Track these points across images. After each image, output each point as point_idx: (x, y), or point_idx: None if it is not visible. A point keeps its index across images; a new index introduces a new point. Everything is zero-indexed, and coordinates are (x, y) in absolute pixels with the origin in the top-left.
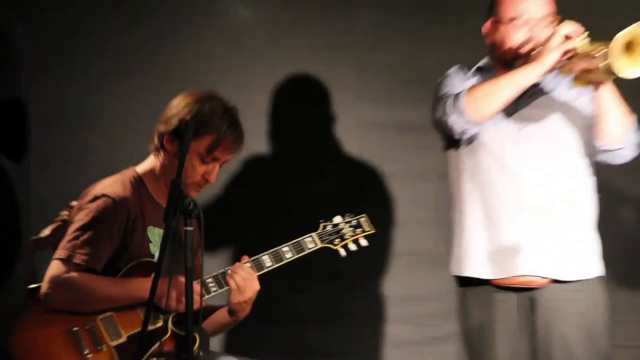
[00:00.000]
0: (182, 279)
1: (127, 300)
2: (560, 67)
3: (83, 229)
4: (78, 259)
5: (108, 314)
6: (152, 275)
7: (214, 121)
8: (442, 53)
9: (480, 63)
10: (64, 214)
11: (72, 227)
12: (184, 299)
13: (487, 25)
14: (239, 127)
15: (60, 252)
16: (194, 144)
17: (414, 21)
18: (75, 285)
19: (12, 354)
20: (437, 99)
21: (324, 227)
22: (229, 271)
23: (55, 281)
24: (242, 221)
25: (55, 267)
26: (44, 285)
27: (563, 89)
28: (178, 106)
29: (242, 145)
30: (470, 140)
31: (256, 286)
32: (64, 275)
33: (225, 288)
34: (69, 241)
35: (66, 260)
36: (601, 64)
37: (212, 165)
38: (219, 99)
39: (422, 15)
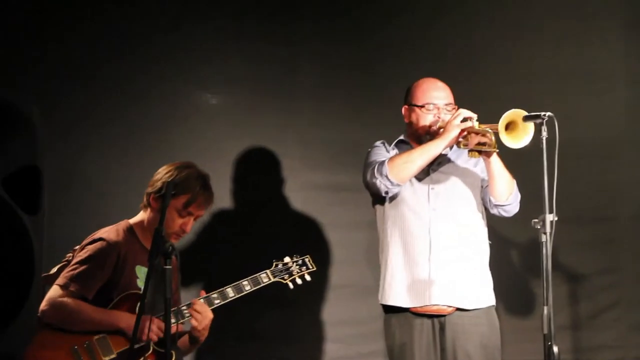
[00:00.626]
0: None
1: (107, 327)
2: (460, 142)
3: (80, 263)
4: (73, 287)
5: (102, 335)
6: (131, 306)
7: (189, 184)
8: (368, 130)
9: (400, 138)
10: (69, 255)
11: (73, 261)
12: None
13: (405, 109)
14: (210, 189)
15: (60, 280)
16: (173, 201)
17: (345, 105)
18: (66, 307)
19: None
20: (366, 165)
21: (276, 265)
22: (185, 310)
23: (52, 302)
24: (210, 261)
25: (53, 291)
26: (43, 304)
27: (464, 159)
28: (162, 172)
29: (212, 203)
30: (393, 197)
31: (210, 316)
32: (59, 298)
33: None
34: (68, 272)
35: (63, 287)
36: (490, 139)
37: (188, 218)
38: (194, 167)
39: (351, 101)
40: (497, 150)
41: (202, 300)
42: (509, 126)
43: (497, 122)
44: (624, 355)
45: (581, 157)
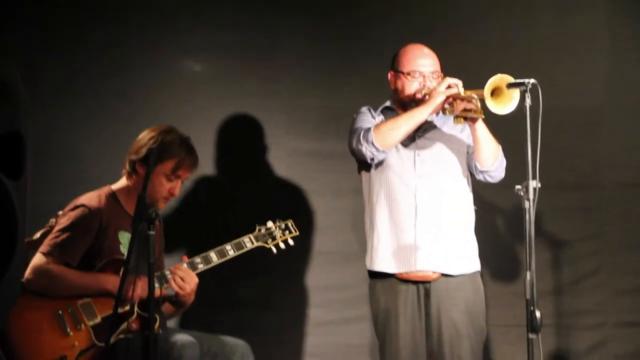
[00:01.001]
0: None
1: (93, 290)
2: (445, 109)
3: (63, 230)
4: (56, 254)
5: (86, 300)
6: (115, 271)
7: (174, 149)
8: (353, 98)
9: (385, 104)
10: (52, 221)
11: (55, 229)
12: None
13: (391, 75)
14: (194, 152)
15: (43, 247)
16: (160, 166)
17: (328, 73)
18: (51, 274)
19: (8, 333)
20: (352, 132)
21: (259, 230)
22: (169, 274)
23: (36, 270)
24: (194, 225)
25: (37, 259)
26: (27, 272)
27: (449, 126)
28: (144, 138)
29: (197, 165)
30: (379, 163)
31: (195, 280)
32: (44, 265)
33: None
34: (51, 239)
35: (46, 254)
36: (475, 105)
37: (176, 182)
38: (176, 131)
39: (335, 69)
40: (483, 116)
41: (185, 265)
42: (494, 92)
43: (483, 88)
44: (606, 320)
45: (563, 124)
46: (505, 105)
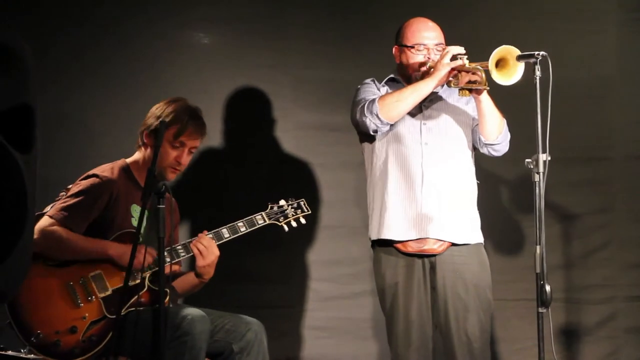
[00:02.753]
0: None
1: (95, 254)
2: (450, 82)
3: (71, 197)
4: (60, 217)
5: (97, 271)
6: (121, 239)
7: (177, 115)
8: (360, 71)
9: (390, 75)
10: (62, 194)
11: (66, 195)
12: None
13: (395, 49)
14: (200, 119)
15: (51, 211)
16: (165, 133)
17: (337, 46)
18: (55, 235)
19: (19, 304)
20: (355, 103)
21: (271, 207)
22: (193, 240)
23: (41, 231)
24: (206, 202)
25: (43, 221)
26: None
27: (455, 98)
28: (153, 110)
29: (204, 132)
30: (384, 134)
31: (216, 252)
32: (48, 227)
33: (191, 254)
34: (59, 204)
35: (53, 217)
36: (480, 77)
37: (181, 150)
38: (183, 100)
39: (343, 42)
40: (488, 88)
41: (210, 235)
42: (499, 63)
43: (488, 60)
44: (615, 294)
45: (573, 97)
46: (510, 76)
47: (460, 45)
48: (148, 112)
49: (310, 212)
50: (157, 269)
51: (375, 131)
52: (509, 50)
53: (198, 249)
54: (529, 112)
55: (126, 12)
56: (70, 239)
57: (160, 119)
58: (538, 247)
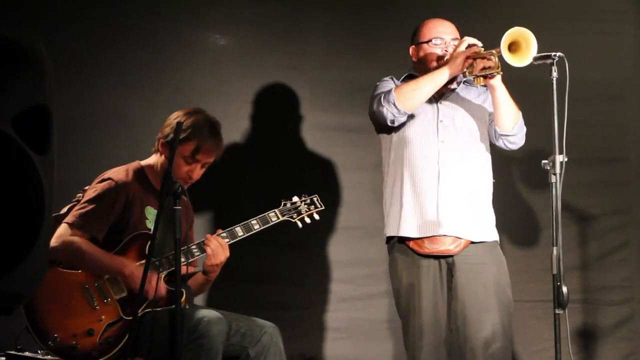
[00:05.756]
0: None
1: (110, 271)
2: (465, 71)
3: (89, 202)
4: (81, 225)
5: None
6: (141, 246)
7: (196, 130)
8: (376, 72)
9: (408, 73)
10: (79, 195)
11: (82, 200)
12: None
13: (412, 49)
14: (218, 136)
15: (69, 218)
16: (180, 148)
17: (354, 47)
18: (72, 246)
19: (35, 307)
20: (374, 97)
21: (284, 204)
22: (206, 240)
23: (61, 240)
24: (224, 202)
25: (62, 229)
26: (52, 241)
27: (472, 95)
28: (171, 118)
29: (220, 150)
30: (400, 129)
31: (226, 253)
32: (69, 237)
33: (204, 253)
34: (77, 210)
35: (72, 225)
36: (494, 62)
37: (194, 165)
38: (203, 113)
39: (360, 43)
40: (501, 73)
41: (224, 234)
42: (511, 47)
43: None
44: (632, 295)
45: (590, 98)
46: (523, 58)
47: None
48: (167, 119)
49: (323, 207)
50: (173, 269)
51: (393, 122)
52: (521, 33)
53: (210, 249)
54: (546, 113)
55: (142, 13)
56: (88, 253)
57: (177, 122)
58: (555, 248)
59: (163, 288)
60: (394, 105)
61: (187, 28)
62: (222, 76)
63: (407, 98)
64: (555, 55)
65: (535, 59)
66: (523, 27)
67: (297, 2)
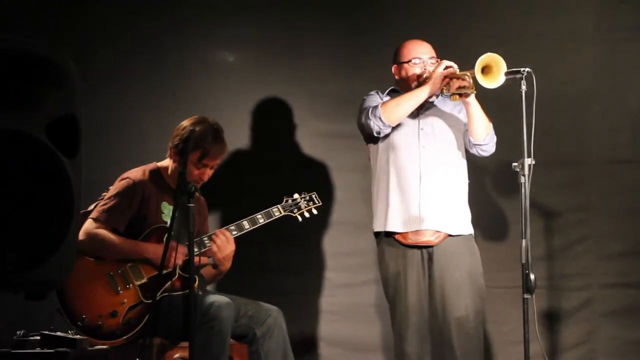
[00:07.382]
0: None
1: (134, 255)
2: (443, 89)
3: (110, 199)
4: (104, 219)
5: (134, 262)
6: (159, 238)
7: (201, 140)
8: (368, 84)
9: (392, 87)
10: (104, 194)
11: (105, 197)
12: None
13: (395, 68)
14: (221, 140)
15: (94, 213)
16: (190, 155)
17: (346, 64)
18: (98, 237)
19: (66, 291)
20: (361, 110)
21: (286, 200)
22: (207, 241)
23: (87, 233)
24: (232, 201)
25: (88, 223)
26: (79, 234)
27: (448, 107)
28: (180, 128)
29: (225, 151)
30: (385, 137)
31: (232, 246)
32: (94, 229)
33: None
34: (100, 206)
35: (96, 219)
36: (468, 82)
37: (203, 169)
38: (207, 122)
39: (351, 61)
40: (475, 92)
41: (232, 227)
42: (484, 70)
43: (473, 68)
44: (592, 282)
45: (555, 108)
46: (494, 80)
47: (457, 64)
48: (175, 129)
49: (321, 203)
50: (187, 258)
51: (379, 133)
52: (493, 58)
53: (216, 244)
54: (515, 122)
55: (160, 32)
56: (112, 242)
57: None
58: (524, 240)
59: (181, 254)
60: (380, 119)
61: (201, 46)
62: (231, 89)
63: (391, 113)
64: (524, 71)
65: (507, 73)
66: (494, 52)
67: (297, 25)
